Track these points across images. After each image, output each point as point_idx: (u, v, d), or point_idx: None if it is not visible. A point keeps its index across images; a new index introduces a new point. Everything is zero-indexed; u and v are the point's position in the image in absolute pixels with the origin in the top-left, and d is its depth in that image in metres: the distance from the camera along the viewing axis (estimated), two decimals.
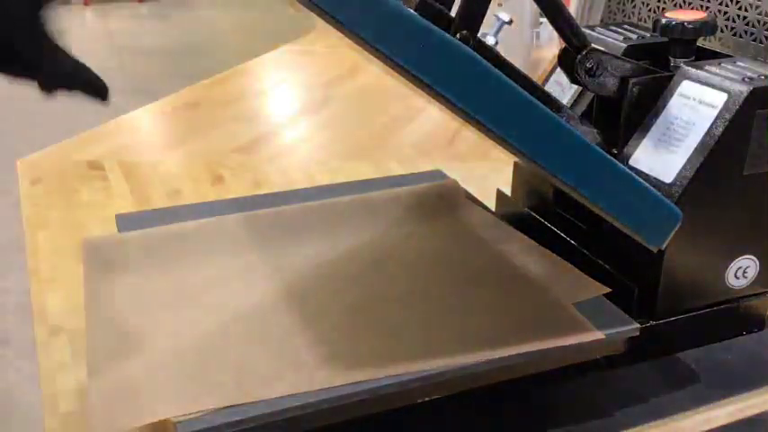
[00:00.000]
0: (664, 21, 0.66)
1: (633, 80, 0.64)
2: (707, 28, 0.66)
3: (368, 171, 1.05)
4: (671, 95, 0.64)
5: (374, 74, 1.43)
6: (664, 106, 0.64)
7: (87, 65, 0.52)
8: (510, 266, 0.69)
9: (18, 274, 2.15)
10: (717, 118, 0.60)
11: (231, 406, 0.51)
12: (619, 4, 1.07)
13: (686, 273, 0.64)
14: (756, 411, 0.61)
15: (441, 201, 0.79)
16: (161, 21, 5.02)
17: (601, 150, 0.53)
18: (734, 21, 0.89)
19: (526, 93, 0.49)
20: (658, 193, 0.55)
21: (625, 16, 1.06)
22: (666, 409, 0.60)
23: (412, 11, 0.51)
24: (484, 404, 0.60)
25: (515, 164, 0.80)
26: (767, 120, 0.61)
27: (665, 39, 0.67)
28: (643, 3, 1.02)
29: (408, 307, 0.63)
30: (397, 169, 1.04)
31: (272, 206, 0.77)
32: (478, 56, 0.47)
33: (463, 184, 0.82)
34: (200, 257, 0.69)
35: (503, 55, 0.59)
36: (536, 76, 0.74)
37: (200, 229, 0.72)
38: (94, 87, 0.52)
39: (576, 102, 0.72)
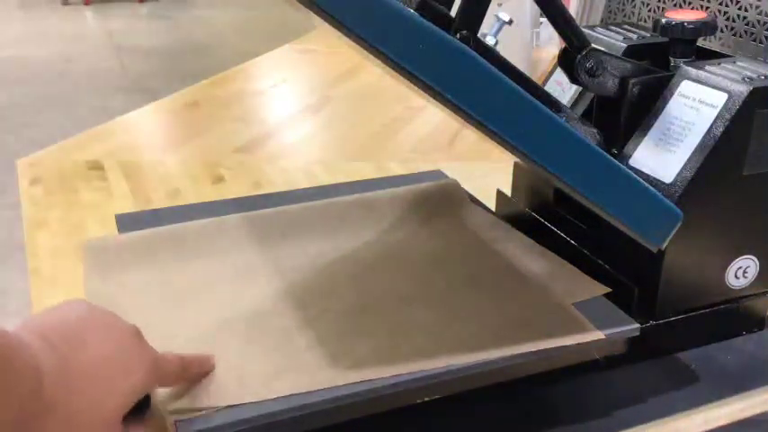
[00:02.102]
0: (664, 21, 0.66)
1: (633, 80, 0.64)
2: (707, 28, 0.66)
3: (368, 171, 1.05)
4: (671, 95, 0.64)
5: (374, 74, 1.43)
6: (664, 106, 0.64)
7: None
8: (510, 266, 0.69)
9: (18, 275, 2.16)
10: (717, 118, 0.60)
11: (231, 406, 0.51)
12: (619, 4, 1.07)
13: (686, 273, 0.64)
14: (756, 411, 0.61)
15: (441, 201, 0.79)
16: (161, 21, 5.02)
17: (601, 150, 0.53)
18: (734, 21, 0.89)
19: (526, 93, 0.49)
20: (658, 193, 0.55)
21: (625, 16, 1.06)
22: (666, 409, 0.60)
23: (412, 11, 0.51)
24: (484, 404, 0.60)
25: (515, 164, 0.80)
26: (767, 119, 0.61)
27: (665, 39, 0.67)
28: (643, 3, 1.02)
29: (409, 307, 0.63)
30: (397, 169, 1.04)
31: (272, 206, 0.77)
32: (478, 56, 0.47)
33: (463, 184, 0.82)
34: (201, 258, 0.69)
35: (503, 55, 0.59)
36: (536, 76, 0.74)
37: (200, 230, 0.72)
38: None
39: (576, 102, 0.72)
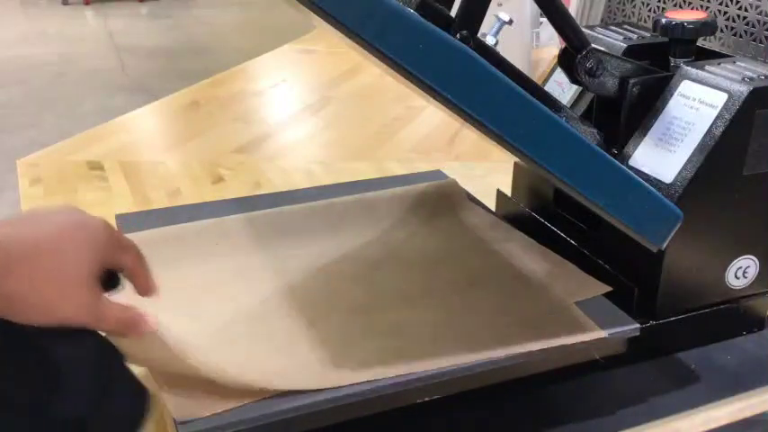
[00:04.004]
0: (664, 21, 0.66)
1: (633, 80, 0.64)
2: (707, 28, 0.66)
3: (368, 171, 1.05)
4: (671, 95, 0.64)
5: (374, 74, 1.43)
6: (664, 106, 0.64)
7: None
8: (511, 266, 0.69)
9: None
10: (717, 118, 0.60)
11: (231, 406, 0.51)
12: (619, 4, 1.07)
13: (686, 273, 0.64)
14: (756, 411, 0.61)
15: (441, 201, 0.79)
16: (161, 21, 5.02)
17: (601, 150, 0.53)
18: (734, 21, 0.89)
19: (526, 93, 0.49)
20: (658, 193, 0.55)
21: (625, 16, 1.06)
22: (666, 409, 0.60)
23: (412, 11, 0.51)
24: (485, 404, 0.60)
25: (515, 164, 0.80)
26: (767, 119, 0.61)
27: (666, 39, 0.67)
28: (643, 3, 1.02)
29: (410, 307, 0.63)
30: (397, 169, 1.04)
31: (272, 206, 0.76)
32: (478, 56, 0.47)
33: (463, 184, 0.82)
34: (201, 258, 0.69)
35: (503, 55, 0.59)
36: (536, 77, 0.74)
37: (200, 230, 0.72)
38: None
39: (575, 102, 0.72)
